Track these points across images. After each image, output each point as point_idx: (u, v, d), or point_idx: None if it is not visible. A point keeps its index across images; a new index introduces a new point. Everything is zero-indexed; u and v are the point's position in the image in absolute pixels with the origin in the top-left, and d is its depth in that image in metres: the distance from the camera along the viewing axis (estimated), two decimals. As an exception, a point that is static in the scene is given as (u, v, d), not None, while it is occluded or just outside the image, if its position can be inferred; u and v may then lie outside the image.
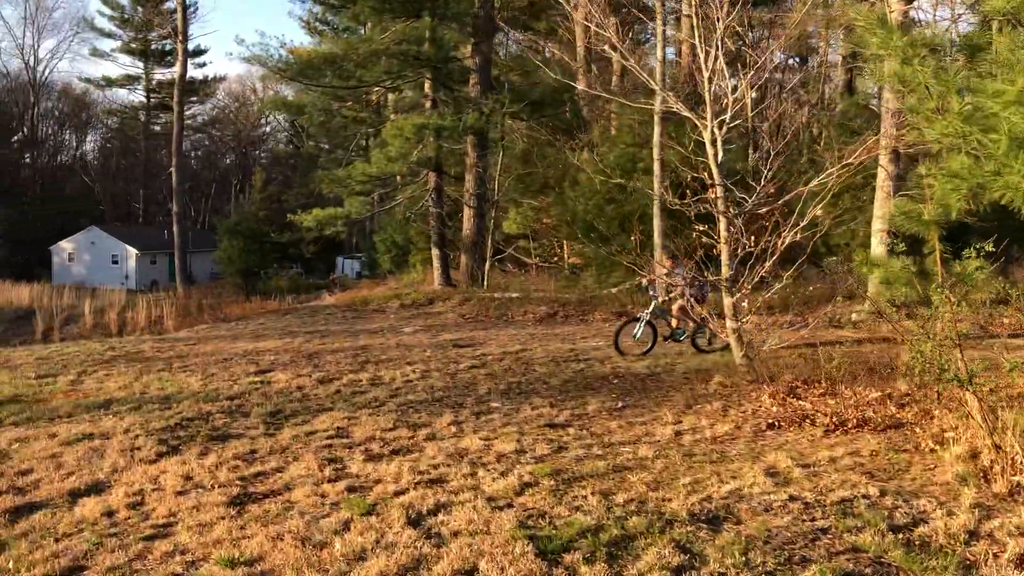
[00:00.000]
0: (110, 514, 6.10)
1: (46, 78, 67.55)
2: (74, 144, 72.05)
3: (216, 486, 6.65)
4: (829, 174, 10.44)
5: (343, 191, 25.39)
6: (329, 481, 6.68)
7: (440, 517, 5.68)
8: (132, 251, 50.00)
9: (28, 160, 66.34)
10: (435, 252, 25.12)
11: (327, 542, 5.27)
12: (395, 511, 5.78)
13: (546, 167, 24.00)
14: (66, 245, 52.49)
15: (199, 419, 9.03)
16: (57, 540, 5.60)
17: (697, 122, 10.48)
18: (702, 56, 10.45)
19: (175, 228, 43.87)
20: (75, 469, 7.24)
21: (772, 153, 10.76)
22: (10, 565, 5.19)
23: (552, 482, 6.41)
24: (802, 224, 10.04)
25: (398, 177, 27.31)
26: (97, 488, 6.73)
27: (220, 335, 17.21)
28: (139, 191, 67.24)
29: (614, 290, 19.34)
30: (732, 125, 10.46)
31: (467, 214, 24.59)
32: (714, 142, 10.28)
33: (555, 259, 29.66)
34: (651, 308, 12.58)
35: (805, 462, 6.78)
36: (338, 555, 5.05)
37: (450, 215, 26.23)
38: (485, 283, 23.10)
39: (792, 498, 5.84)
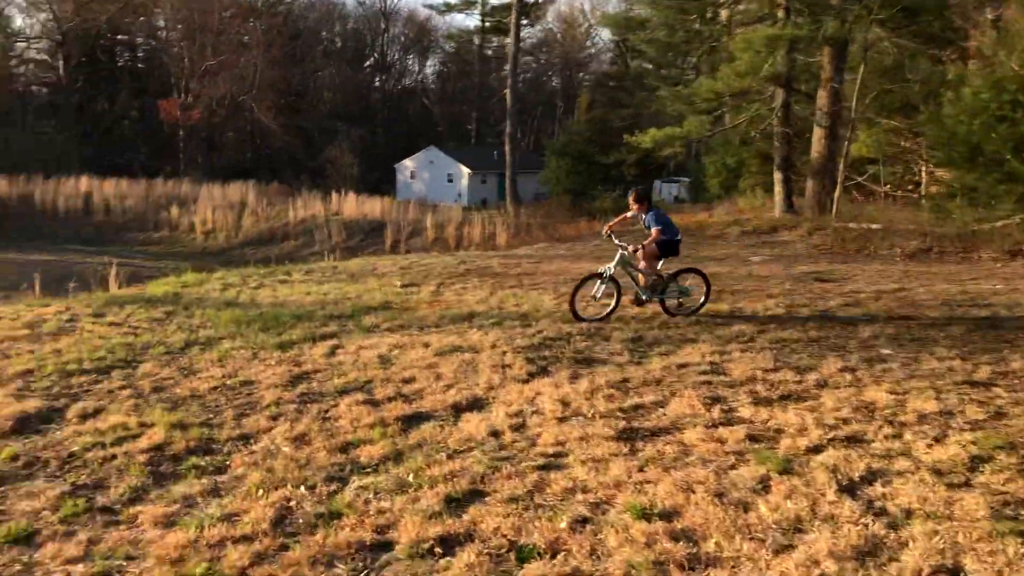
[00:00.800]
0: (495, 435, 5.83)
1: (395, 5, 72.75)
2: (416, 68, 77.32)
3: (597, 416, 6.17)
4: None
5: (687, 109, 24.21)
6: (721, 424, 5.93)
7: (879, 488, 4.69)
8: (465, 170, 52.66)
9: (377, 84, 72.23)
10: (777, 176, 23.31)
11: (748, 503, 4.51)
12: (819, 473, 4.87)
13: (915, 82, 21.02)
14: (408, 163, 56.52)
15: (560, 340, 8.71)
16: (449, 457, 5.39)
17: None
18: None
19: (507, 148, 45.34)
20: (453, 381, 7.15)
21: None
22: (410, 478, 5.03)
23: (1011, 458, 5.13)
24: None
25: (728, 100, 25.58)
26: (477, 404, 6.55)
27: (560, 254, 17.14)
28: (471, 113, 70.71)
29: (999, 224, 16.52)
30: None
31: (817, 135, 22.36)
32: None
33: (911, 187, 26.41)
34: (616, 260, 9.72)
35: None
36: (769, 522, 4.27)
37: (795, 135, 24.11)
38: (835, 211, 20.98)
39: None
